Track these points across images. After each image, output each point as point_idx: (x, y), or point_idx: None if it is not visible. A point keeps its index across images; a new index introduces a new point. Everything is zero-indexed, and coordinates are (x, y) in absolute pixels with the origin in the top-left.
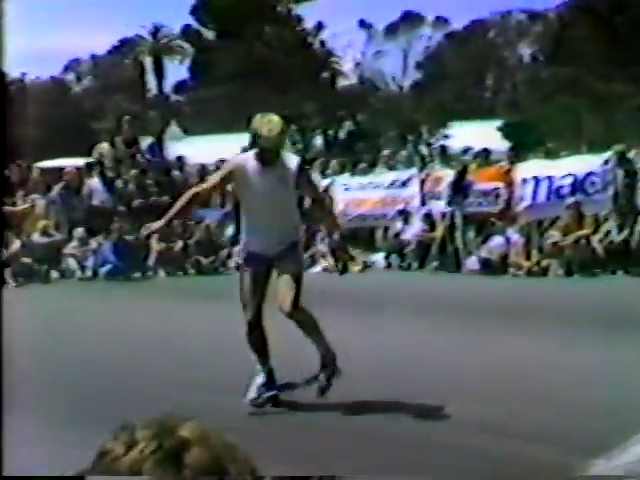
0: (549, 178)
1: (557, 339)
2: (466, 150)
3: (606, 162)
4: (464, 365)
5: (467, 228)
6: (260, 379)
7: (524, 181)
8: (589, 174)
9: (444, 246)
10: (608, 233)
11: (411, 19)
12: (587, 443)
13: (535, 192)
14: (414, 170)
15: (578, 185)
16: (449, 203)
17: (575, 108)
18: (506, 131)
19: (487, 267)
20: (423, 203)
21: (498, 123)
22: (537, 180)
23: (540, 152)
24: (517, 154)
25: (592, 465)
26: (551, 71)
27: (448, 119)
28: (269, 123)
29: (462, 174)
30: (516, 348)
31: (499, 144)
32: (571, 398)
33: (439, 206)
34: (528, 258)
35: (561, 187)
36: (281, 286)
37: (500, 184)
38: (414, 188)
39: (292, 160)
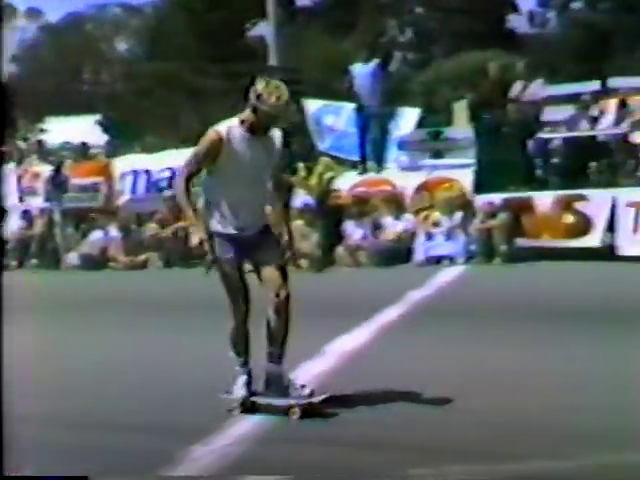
0: (147, 172)
1: (172, 330)
2: (64, 145)
3: None
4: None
5: (67, 224)
6: (244, 379)
7: (123, 175)
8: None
9: (44, 243)
10: None
11: (4, 10)
12: (184, 428)
13: (134, 186)
14: (11, 166)
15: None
16: (47, 199)
17: (173, 103)
18: (105, 125)
19: (87, 262)
20: (21, 200)
21: (97, 117)
22: (136, 174)
23: (139, 146)
24: (116, 148)
25: (189, 451)
26: (149, 66)
27: (45, 113)
28: (277, 90)
29: (59, 169)
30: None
31: (98, 138)
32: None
33: (37, 202)
34: (129, 252)
35: (159, 180)
36: (268, 273)
37: (99, 178)
38: (11, 184)
39: (276, 131)
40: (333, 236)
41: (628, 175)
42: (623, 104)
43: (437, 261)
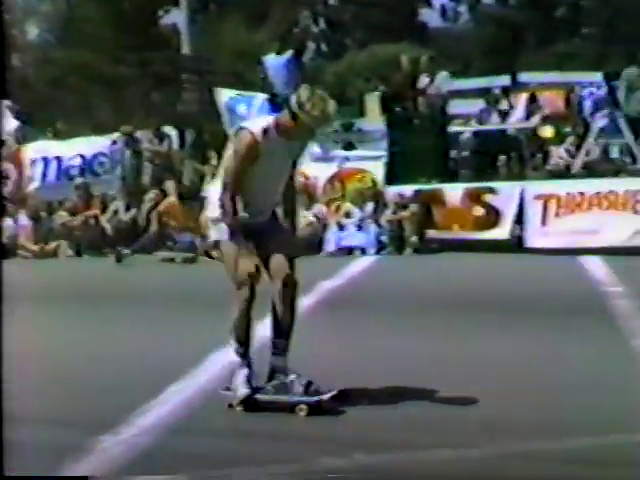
0: (58, 159)
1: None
2: None
3: (114, 142)
4: None
5: None
6: (245, 373)
7: (33, 162)
8: (98, 154)
9: None
10: (116, 212)
11: None
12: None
13: (44, 173)
14: None
15: (87, 166)
16: None
17: (85, 90)
18: (15, 111)
19: None
20: None
21: (7, 103)
22: (46, 161)
23: (50, 132)
24: (25, 135)
25: (99, 442)
26: (61, 52)
27: None
28: (322, 102)
29: None
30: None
31: (8, 124)
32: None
33: None
34: (39, 240)
35: (70, 168)
36: (276, 261)
37: (9, 165)
38: None
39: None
40: None
41: (536, 168)
42: (533, 99)
43: (349, 251)
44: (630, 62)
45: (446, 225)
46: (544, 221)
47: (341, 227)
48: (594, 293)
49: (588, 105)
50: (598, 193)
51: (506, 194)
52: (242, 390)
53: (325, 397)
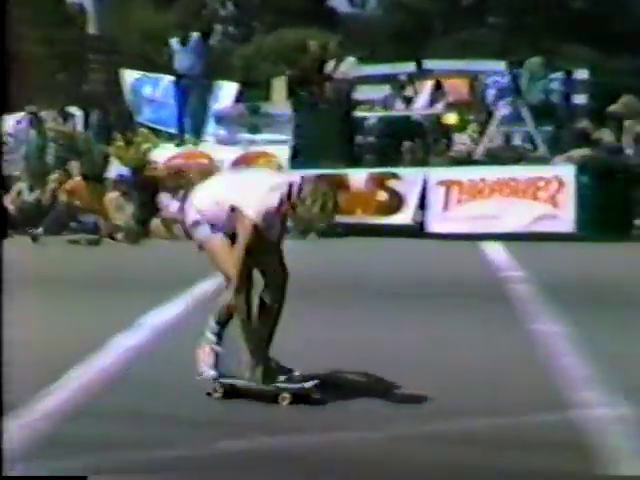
0: None
1: None
2: None
3: (19, 122)
4: None
5: None
6: (214, 356)
7: None
8: (1, 134)
9: None
10: (20, 193)
11: None
12: None
13: None
14: None
15: None
16: None
17: None
18: None
19: None
20: None
21: None
22: None
23: None
24: None
25: None
26: None
27: None
28: (323, 198)
29: None
30: None
31: None
32: None
33: None
34: None
35: None
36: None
37: None
38: None
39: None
40: (149, 208)
41: (440, 154)
42: (437, 86)
43: None
44: (533, 52)
45: (350, 210)
46: (446, 207)
47: None
48: (494, 278)
49: (492, 93)
50: (499, 180)
51: (409, 180)
52: (208, 372)
53: (308, 385)
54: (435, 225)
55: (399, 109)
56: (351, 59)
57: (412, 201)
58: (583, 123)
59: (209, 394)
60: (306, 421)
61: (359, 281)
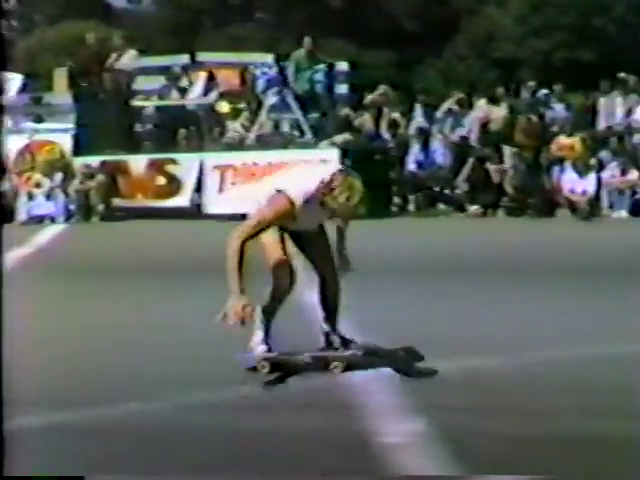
0: None
1: None
2: None
3: None
4: None
5: None
6: (260, 335)
7: None
8: None
9: None
10: None
11: None
12: None
13: None
14: None
15: None
16: None
17: None
18: None
19: None
20: None
21: None
22: None
23: None
24: None
25: None
26: None
27: None
28: (350, 190)
29: None
30: None
31: None
32: None
33: None
34: None
35: None
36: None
37: None
38: None
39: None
40: None
41: (214, 141)
42: (210, 77)
43: (39, 220)
44: (298, 45)
45: (131, 194)
46: (221, 189)
47: (31, 197)
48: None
49: (261, 84)
50: (270, 163)
51: (186, 165)
52: (260, 347)
53: (359, 352)
54: (211, 207)
55: (175, 99)
56: (132, 52)
57: (189, 185)
58: (345, 111)
59: (256, 369)
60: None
61: (135, 261)
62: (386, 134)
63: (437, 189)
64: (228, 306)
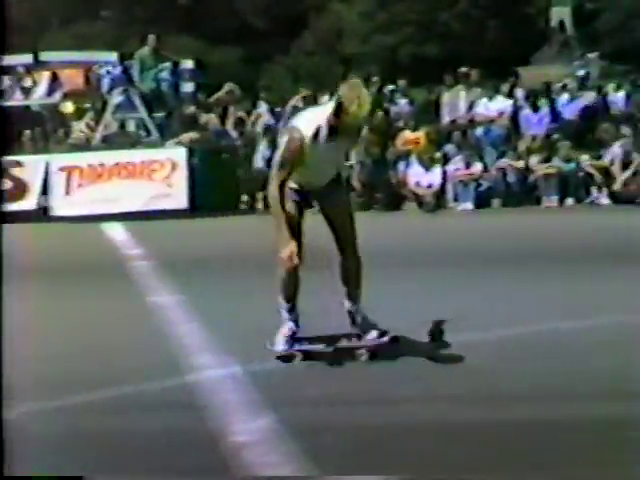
0: None
1: None
2: None
3: None
4: None
5: None
6: (288, 329)
7: None
8: None
9: None
10: None
11: None
12: None
13: None
14: None
15: None
16: None
17: None
18: None
19: None
20: None
21: None
22: None
23: None
24: None
25: None
26: None
27: None
28: (358, 98)
29: None
30: None
31: None
32: None
33: None
34: None
35: None
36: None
37: None
38: None
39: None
40: None
41: (59, 142)
42: (54, 77)
43: None
44: (142, 43)
45: None
46: (68, 191)
47: None
48: (115, 256)
49: (106, 83)
50: (117, 164)
51: (32, 167)
52: (280, 347)
53: (384, 340)
54: (58, 209)
55: (18, 99)
56: None
57: (35, 187)
58: (191, 109)
59: (288, 359)
60: None
61: None
62: (233, 132)
63: None
64: (285, 251)
